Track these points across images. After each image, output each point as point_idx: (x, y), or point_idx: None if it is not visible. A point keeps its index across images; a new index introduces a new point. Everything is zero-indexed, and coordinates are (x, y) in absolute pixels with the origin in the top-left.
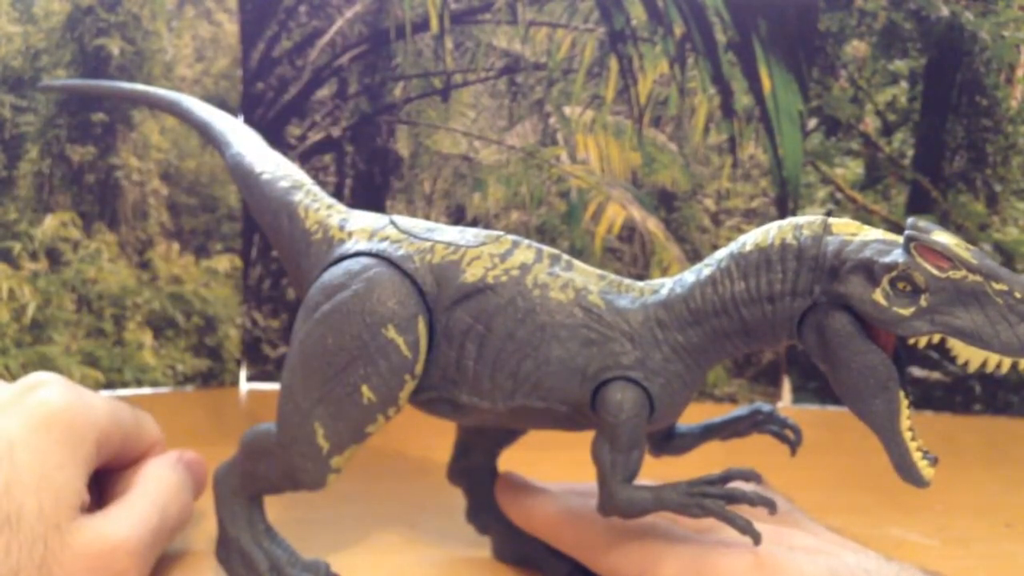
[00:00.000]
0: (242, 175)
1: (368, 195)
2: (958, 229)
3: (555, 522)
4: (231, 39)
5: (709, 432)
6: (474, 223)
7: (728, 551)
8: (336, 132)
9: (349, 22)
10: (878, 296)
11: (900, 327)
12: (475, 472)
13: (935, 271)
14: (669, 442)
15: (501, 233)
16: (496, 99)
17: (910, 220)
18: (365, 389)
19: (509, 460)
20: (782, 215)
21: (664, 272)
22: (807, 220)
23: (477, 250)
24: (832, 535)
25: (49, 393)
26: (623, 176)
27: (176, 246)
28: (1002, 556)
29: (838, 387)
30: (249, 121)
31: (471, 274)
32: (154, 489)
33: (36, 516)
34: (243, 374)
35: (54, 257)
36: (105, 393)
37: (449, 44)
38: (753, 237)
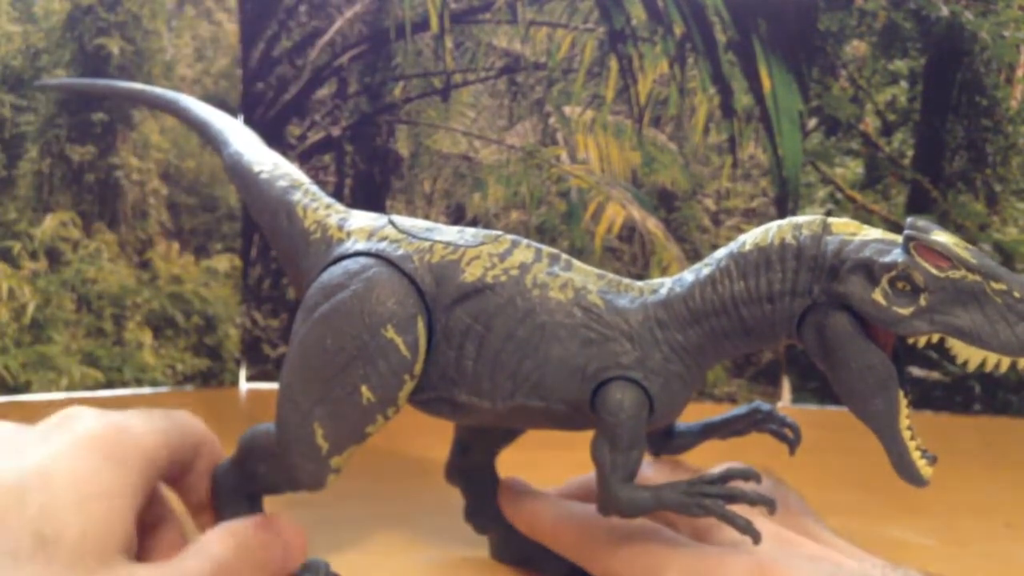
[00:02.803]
0: (240, 174)
1: (368, 195)
2: (958, 229)
3: (558, 527)
4: (231, 39)
5: (708, 431)
6: (474, 223)
7: (730, 556)
8: (336, 132)
9: (349, 22)
10: (878, 296)
11: (900, 327)
12: (473, 472)
13: (934, 271)
14: (668, 441)
15: (500, 233)
16: (496, 99)
17: (909, 220)
18: (364, 389)
19: (509, 460)
20: (782, 215)
21: (664, 272)
22: (806, 220)
23: (476, 250)
24: (839, 540)
25: (85, 421)
26: (623, 176)
27: (176, 246)
28: (1002, 556)
29: (837, 387)
30: (249, 121)
31: (470, 274)
32: (219, 555)
33: (77, 544)
34: (243, 374)
35: (54, 257)
36: (106, 393)
37: (449, 44)
38: (752, 237)
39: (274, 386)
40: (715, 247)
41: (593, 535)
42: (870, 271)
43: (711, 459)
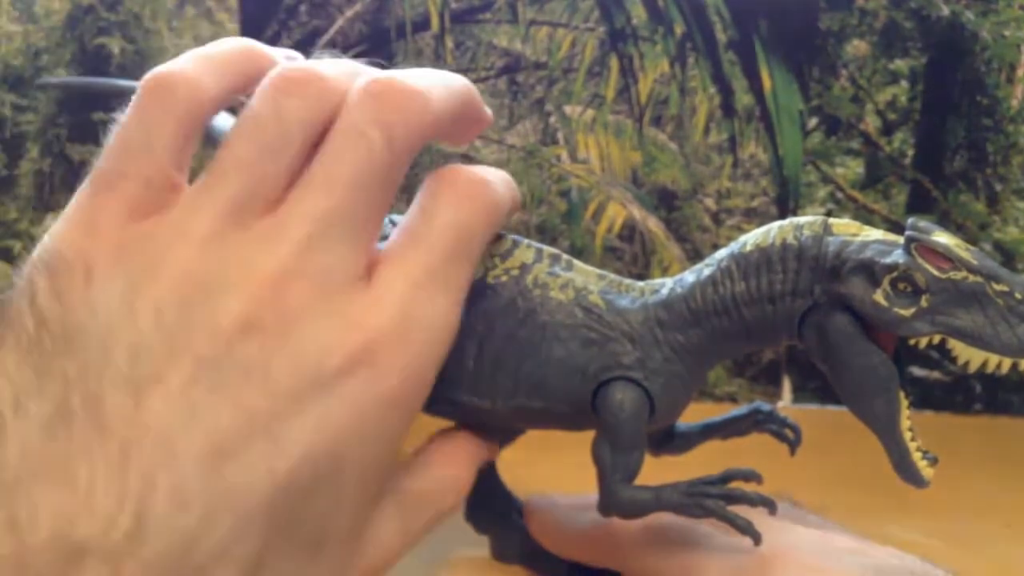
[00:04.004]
0: None
1: None
2: (958, 229)
3: (590, 537)
4: None
5: (708, 431)
6: None
7: (774, 555)
8: None
9: (349, 22)
10: (879, 297)
11: (901, 328)
12: None
13: (936, 272)
14: (668, 441)
15: (501, 233)
16: (496, 98)
17: (910, 220)
18: None
19: (509, 460)
20: (782, 214)
21: (664, 272)
22: (807, 220)
23: None
24: (870, 541)
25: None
26: (623, 175)
27: None
28: (1002, 556)
29: (838, 387)
30: None
31: None
32: None
33: None
34: None
35: None
36: None
37: (449, 43)
38: (753, 237)
39: None
40: (716, 247)
41: (627, 538)
42: (871, 272)
43: (711, 459)
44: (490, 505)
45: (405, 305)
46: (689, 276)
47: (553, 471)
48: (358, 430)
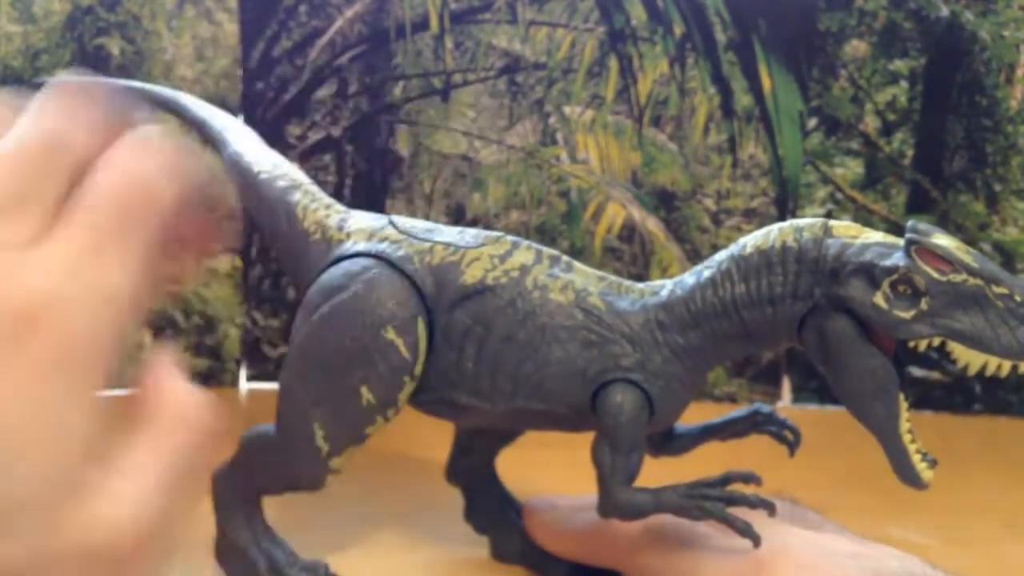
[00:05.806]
0: (239, 174)
1: (368, 195)
2: (958, 229)
3: (588, 537)
4: (231, 39)
5: (708, 432)
6: (474, 223)
7: (770, 557)
8: (336, 132)
9: (349, 22)
10: (879, 299)
11: (900, 330)
12: (473, 472)
13: (935, 274)
14: (668, 443)
15: (501, 234)
16: (496, 99)
17: (910, 223)
18: (364, 391)
19: (509, 460)
20: (782, 215)
21: (664, 272)
22: (807, 222)
23: (477, 251)
24: (872, 544)
25: None
26: (623, 176)
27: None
28: (1002, 556)
29: (838, 390)
30: (249, 121)
31: (471, 275)
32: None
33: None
34: (243, 374)
35: None
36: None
37: (449, 44)
38: (753, 239)
39: (274, 386)
40: (715, 247)
41: (625, 539)
42: (871, 274)
43: (712, 461)
44: (490, 505)
45: (71, 269)
46: (689, 278)
47: (553, 471)
48: (24, 400)
